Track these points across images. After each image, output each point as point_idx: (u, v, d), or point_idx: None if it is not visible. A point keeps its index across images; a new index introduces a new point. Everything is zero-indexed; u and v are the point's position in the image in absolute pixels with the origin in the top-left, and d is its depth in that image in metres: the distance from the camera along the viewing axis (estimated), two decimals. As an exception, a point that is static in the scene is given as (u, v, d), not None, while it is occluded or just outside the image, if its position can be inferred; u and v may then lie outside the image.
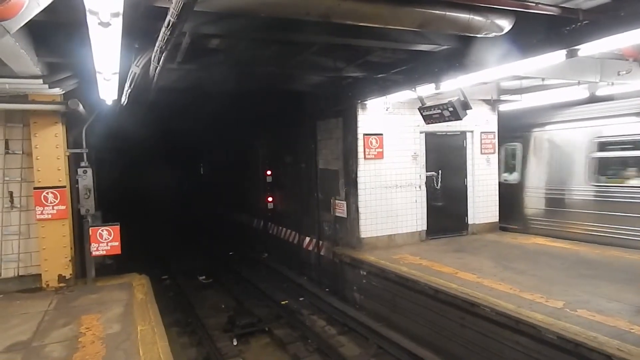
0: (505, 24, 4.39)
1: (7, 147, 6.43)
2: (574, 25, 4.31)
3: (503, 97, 9.27)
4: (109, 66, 4.25)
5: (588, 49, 4.52)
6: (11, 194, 6.50)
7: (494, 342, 5.33)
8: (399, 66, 6.55)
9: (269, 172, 12.47)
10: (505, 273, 6.62)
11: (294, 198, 11.27)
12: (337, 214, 9.20)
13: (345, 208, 8.91)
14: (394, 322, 7.12)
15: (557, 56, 4.72)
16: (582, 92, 8.37)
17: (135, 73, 4.90)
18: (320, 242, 9.88)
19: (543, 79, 7.82)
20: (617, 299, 5.33)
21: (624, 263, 6.97)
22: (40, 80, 5.60)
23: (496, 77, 6.74)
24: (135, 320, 5.33)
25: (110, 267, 7.95)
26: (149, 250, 13.57)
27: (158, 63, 4.26)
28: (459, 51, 5.45)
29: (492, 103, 9.64)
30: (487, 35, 4.51)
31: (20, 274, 6.61)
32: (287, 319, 8.00)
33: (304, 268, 10.54)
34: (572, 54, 4.61)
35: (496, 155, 9.90)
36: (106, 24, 2.76)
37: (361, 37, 5.01)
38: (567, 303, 5.25)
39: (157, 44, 3.70)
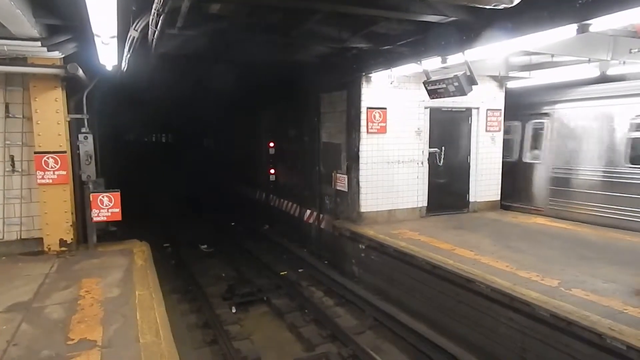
0: (516, -5, 4.23)
1: (7, 110, 6.40)
2: (586, -2, 4.14)
3: (512, 74, 9.07)
4: (106, 29, 4.16)
5: (600, 24, 4.34)
6: (12, 158, 6.51)
7: (488, 318, 5.38)
8: (405, 38, 6.37)
9: (271, 144, 12.42)
10: (503, 251, 6.63)
11: (296, 171, 11.26)
12: (338, 188, 9.20)
13: (346, 182, 8.90)
14: (391, 296, 7.20)
15: (567, 31, 4.56)
16: (593, 71, 8.18)
17: (134, 37, 4.80)
18: (321, 215, 9.91)
19: (552, 56, 7.62)
20: (614, 280, 5.34)
21: (624, 245, 6.96)
22: (39, 43, 5.49)
23: (504, 52, 6.59)
24: (134, 285, 5.41)
25: (113, 233, 8.05)
26: (151, 219, 13.69)
27: (156, 27, 4.16)
28: (467, 23, 5.28)
29: (500, 79, 9.44)
30: (496, 7, 4.33)
31: (22, 237, 6.70)
32: (285, 290, 8.10)
33: (304, 240, 10.62)
34: (583, 29, 4.44)
35: (501, 133, 9.77)
36: (99, -18, 2.68)
37: (366, 6, 4.86)
38: (563, 282, 5.27)
39: (153, 6, 3.60)
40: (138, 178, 17.48)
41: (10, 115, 6.41)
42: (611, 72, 8.12)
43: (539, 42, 5.05)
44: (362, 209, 8.61)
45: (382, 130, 8.58)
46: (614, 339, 3.96)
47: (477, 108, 9.43)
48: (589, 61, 7.54)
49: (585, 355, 4.23)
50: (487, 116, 9.54)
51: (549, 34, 4.67)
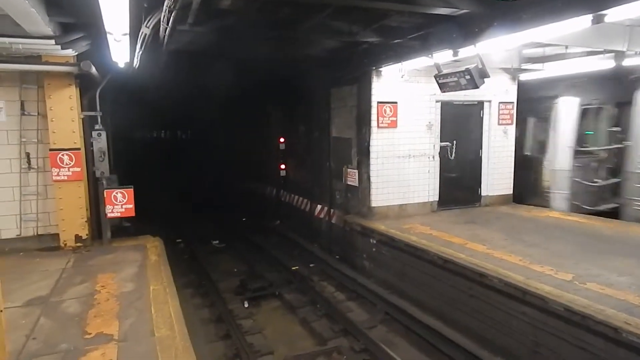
0: (528, -14, 4.18)
1: (23, 108, 6.49)
2: (602, -12, 4.07)
3: (524, 66, 8.95)
4: (118, 26, 4.20)
5: (616, 13, 4.27)
6: (28, 155, 6.61)
7: (501, 313, 5.36)
8: (416, 31, 6.31)
9: (282, 140, 12.43)
10: (516, 245, 6.58)
11: (307, 166, 11.27)
12: (348, 183, 9.19)
13: (357, 177, 8.89)
14: (403, 290, 7.20)
15: (582, 21, 4.49)
16: (608, 62, 8.02)
17: (145, 34, 4.84)
18: (332, 210, 9.92)
19: (566, 47, 7.50)
20: (629, 274, 5.27)
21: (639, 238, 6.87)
22: (53, 41, 5.57)
23: (516, 44, 6.49)
24: (148, 280, 5.48)
25: (127, 229, 8.14)
26: (161, 216, 13.80)
27: (168, 24, 4.18)
28: (479, 16, 5.22)
29: (513, 72, 9.33)
30: (508, -2, 4.31)
31: (39, 233, 6.81)
32: (297, 284, 8.15)
33: (315, 235, 10.64)
34: (598, 20, 4.36)
35: (514, 126, 9.67)
36: (112, -20, 2.70)
37: (377, -1, 4.83)
38: (577, 276, 5.22)
39: (165, 3, 3.62)
40: (143, 175, 17.48)
41: (25, 112, 6.50)
42: (627, 63, 7.97)
43: (553, 33, 4.97)
44: (373, 204, 8.59)
45: (393, 124, 8.54)
46: (630, 333, 3.91)
47: (490, 101, 9.33)
48: (604, 52, 7.40)
49: (600, 349, 4.19)
50: (499, 109, 9.44)
51: (563, 24, 4.60)
